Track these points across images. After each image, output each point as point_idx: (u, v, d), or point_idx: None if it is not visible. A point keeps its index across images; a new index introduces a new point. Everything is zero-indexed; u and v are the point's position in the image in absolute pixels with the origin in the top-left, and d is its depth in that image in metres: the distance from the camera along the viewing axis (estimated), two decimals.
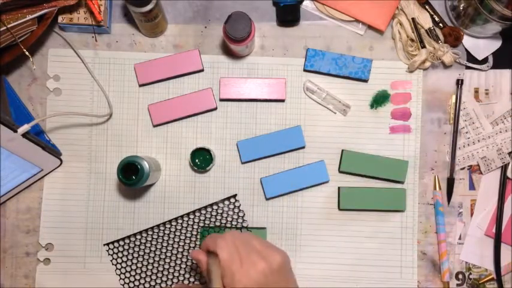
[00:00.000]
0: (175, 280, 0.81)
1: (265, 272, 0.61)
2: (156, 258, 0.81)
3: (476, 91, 0.83)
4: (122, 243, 0.81)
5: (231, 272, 0.61)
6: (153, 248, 0.81)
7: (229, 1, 0.83)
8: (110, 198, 0.82)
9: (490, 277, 0.82)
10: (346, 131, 0.82)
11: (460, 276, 0.82)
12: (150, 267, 0.81)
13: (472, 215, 0.83)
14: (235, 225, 0.81)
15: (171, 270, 0.81)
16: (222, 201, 0.81)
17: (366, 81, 0.82)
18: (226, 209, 0.81)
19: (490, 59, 0.83)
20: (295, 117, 0.82)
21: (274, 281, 0.62)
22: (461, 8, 0.80)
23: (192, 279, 0.81)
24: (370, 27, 0.83)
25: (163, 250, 0.81)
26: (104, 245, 0.81)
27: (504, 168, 0.82)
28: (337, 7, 0.82)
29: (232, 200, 0.81)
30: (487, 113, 0.83)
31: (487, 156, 0.82)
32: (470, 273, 0.82)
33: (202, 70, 0.82)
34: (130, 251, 0.81)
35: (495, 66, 0.83)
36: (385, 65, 0.83)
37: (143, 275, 0.81)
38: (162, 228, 0.81)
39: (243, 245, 0.63)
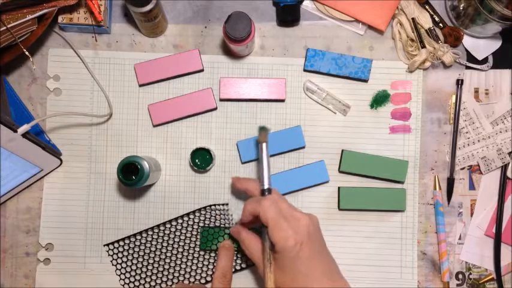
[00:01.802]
0: (175, 280, 0.81)
1: (309, 226, 0.66)
2: (156, 259, 0.81)
3: (476, 91, 0.83)
4: (121, 243, 0.81)
5: (279, 228, 0.64)
6: (153, 248, 0.81)
7: (229, 1, 0.83)
8: (110, 198, 0.82)
9: (490, 277, 0.82)
10: (346, 131, 0.82)
11: (460, 276, 0.82)
12: (150, 267, 0.81)
13: (472, 215, 0.83)
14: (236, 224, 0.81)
15: (171, 270, 0.81)
16: (221, 204, 0.81)
17: (366, 81, 0.82)
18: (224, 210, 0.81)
19: (490, 59, 0.83)
20: (295, 117, 0.82)
21: (315, 236, 0.66)
22: (461, 8, 0.80)
23: (192, 280, 0.81)
24: (370, 27, 0.83)
25: (164, 250, 0.81)
26: (104, 245, 0.81)
27: (504, 168, 0.82)
28: (337, 7, 0.82)
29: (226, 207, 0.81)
30: (487, 113, 0.83)
31: (487, 156, 0.82)
32: (470, 273, 0.82)
33: (202, 70, 0.82)
34: (131, 251, 0.81)
35: (495, 66, 0.83)
36: (385, 65, 0.83)
37: (143, 275, 0.81)
38: (162, 228, 0.81)
39: (283, 203, 0.68)
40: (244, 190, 0.74)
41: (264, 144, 0.73)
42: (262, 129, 0.76)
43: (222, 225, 0.81)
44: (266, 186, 0.70)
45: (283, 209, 0.67)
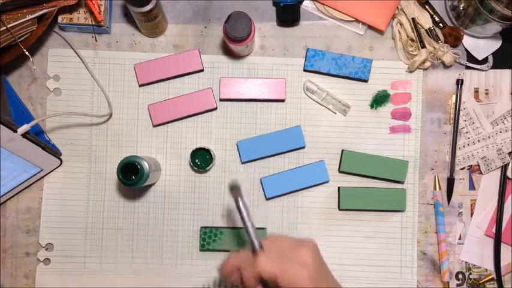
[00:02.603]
0: None
1: (314, 254, 0.61)
2: None
3: (476, 91, 0.83)
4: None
5: (288, 274, 0.59)
6: None
7: (229, 1, 0.83)
8: (110, 198, 0.82)
9: (490, 277, 0.82)
10: (346, 131, 0.82)
11: (460, 276, 0.82)
12: None
13: (472, 215, 0.83)
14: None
15: None
16: None
17: (366, 81, 0.82)
18: None
19: (490, 59, 0.83)
20: (295, 117, 0.82)
21: (320, 260, 0.62)
22: (461, 8, 0.80)
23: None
24: (370, 27, 0.83)
25: None
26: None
27: (504, 168, 0.82)
28: (337, 7, 0.82)
29: None
30: (487, 113, 0.83)
31: (487, 156, 0.82)
32: (470, 273, 0.82)
33: (202, 70, 0.82)
34: None
35: (495, 66, 0.83)
36: (385, 65, 0.83)
37: None
38: None
39: (281, 242, 0.62)
40: (238, 266, 0.63)
41: (240, 202, 0.63)
42: (234, 188, 0.65)
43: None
44: (258, 247, 0.61)
45: (284, 252, 0.61)
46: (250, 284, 0.61)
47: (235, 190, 0.64)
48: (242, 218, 0.63)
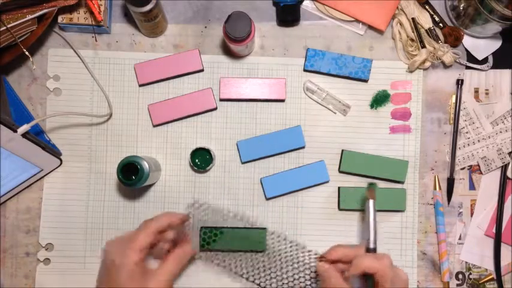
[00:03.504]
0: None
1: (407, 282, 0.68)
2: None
3: (476, 91, 0.83)
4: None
5: (393, 276, 0.66)
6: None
7: (229, 1, 0.83)
8: (110, 198, 0.82)
9: (490, 277, 0.82)
10: (346, 131, 0.82)
11: (460, 276, 0.82)
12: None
13: (472, 215, 0.83)
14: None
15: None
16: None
17: (366, 81, 0.82)
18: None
19: (490, 59, 0.83)
20: (295, 117, 0.82)
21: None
22: (461, 8, 0.80)
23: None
24: (370, 27, 0.83)
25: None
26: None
27: (504, 168, 0.82)
28: (337, 7, 0.82)
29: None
30: (487, 113, 0.83)
31: (487, 156, 0.82)
32: (470, 273, 0.82)
33: (202, 70, 0.82)
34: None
35: (495, 66, 0.83)
36: (385, 65, 0.83)
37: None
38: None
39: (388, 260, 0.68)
40: (339, 259, 0.70)
41: (371, 201, 0.71)
42: (371, 185, 0.74)
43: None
44: (373, 246, 0.69)
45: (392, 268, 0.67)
46: (355, 270, 0.67)
47: (372, 187, 0.73)
48: (368, 215, 0.71)
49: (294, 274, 0.76)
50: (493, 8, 0.73)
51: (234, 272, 0.78)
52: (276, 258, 0.77)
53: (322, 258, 0.70)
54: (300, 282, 0.76)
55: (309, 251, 0.76)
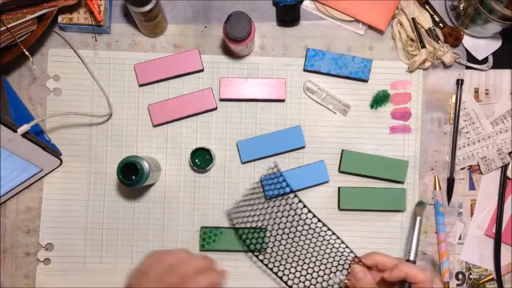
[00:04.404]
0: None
1: None
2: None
3: (476, 91, 0.83)
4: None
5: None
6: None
7: (229, 1, 0.83)
8: (110, 198, 0.82)
9: (490, 277, 0.82)
10: (346, 131, 0.82)
11: (460, 276, 0.82)
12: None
13: (472, 215, 0.83)
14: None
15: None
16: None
17: (366, 81, 0.82)
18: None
19: (490, 59, 0.83)
20: (295, 117, 0.82)
21: None
22: (461, 8, 0.80)
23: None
24: (370, 27, 0.83)
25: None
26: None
27: (504, 168, 0.82)
28: (337, 7, 0.82)
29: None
30: (487, 113, 0.83)
31: (487, 156, 0.82)
32: (470, 273, 0.82)
33: (202, 70, 0.82)
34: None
35: (495, 66, 0.83)
36: (385, 65, 0.83)
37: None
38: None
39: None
40: (374, 265, 0.71)
41: (418, 218, 0.76)
42: (421, 204, 0.78)
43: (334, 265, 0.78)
44: (413, 258, 0.74)
45: None
46: (395, 275, 0.68)
47: (422, 206, 0.78)
48: (413, 229, 0.76)
49: (326, 269, 0.78)
50: (493, 8, 0.73)
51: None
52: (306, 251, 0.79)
53: (360, 261, 0.72)
54: (329, 277, 0.78)
55: (349, 251, 0.75)
